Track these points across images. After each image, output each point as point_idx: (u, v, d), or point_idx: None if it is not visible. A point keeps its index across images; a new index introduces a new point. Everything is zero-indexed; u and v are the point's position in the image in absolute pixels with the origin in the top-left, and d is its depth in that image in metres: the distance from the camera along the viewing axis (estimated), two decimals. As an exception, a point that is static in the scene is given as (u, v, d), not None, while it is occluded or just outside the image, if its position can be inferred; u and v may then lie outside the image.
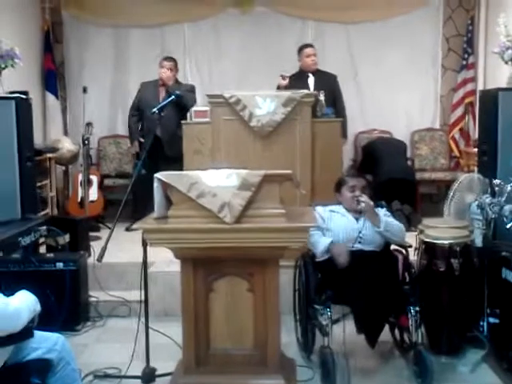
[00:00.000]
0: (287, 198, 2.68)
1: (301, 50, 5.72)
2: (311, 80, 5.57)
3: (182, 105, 5.09)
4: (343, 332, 3.03)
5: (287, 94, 4.16)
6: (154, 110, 3.25)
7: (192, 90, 5.66)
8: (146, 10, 6.48)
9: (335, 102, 5.50)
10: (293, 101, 4.12)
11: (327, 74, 5.68)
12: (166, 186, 2.58)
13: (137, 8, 6.47)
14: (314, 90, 5.41)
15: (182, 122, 4.56)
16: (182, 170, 4.74)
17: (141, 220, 2.69)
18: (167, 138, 5.35)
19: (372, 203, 3.29)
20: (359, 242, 3.26)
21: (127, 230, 5.40)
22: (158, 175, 2.58)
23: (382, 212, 3.38)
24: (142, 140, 5.69)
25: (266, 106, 4.08)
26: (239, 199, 2.48)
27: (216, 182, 2.51)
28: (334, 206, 3.41)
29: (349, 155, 6.40)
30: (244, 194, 2.49)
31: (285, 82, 5.19)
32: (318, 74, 5.62)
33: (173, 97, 3.35)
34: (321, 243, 3.20)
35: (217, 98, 4.21)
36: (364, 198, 3.28)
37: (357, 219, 3.32)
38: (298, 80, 5.53)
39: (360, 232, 3.26)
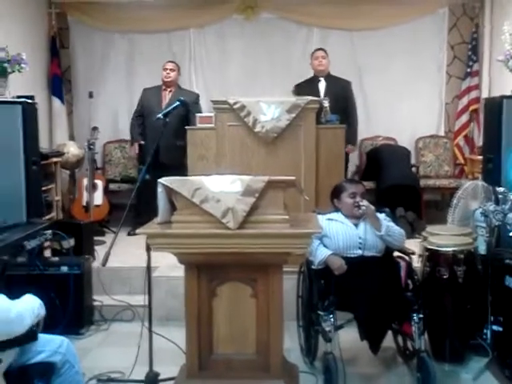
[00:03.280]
0: (291, 204, 2.68)
1: (312, 53, 5.75)
2: (322, 84, 5.58)
3: (186, 118, 5.18)
4: (340, 338, 3.03)
5: (292, 100, 4.17)
6: (159, 115, 3.26)
7: (197, 100, 5.73)
8: (152, 16, 6.53)
9: (346, 108, 5.52)
10: (297, 107, 4.13)
11: (340, 79, 5.68)
12: (170, 191, 2.59)
13: (143, 14, 6.52)
14: (325, 94, 5.44)
15: (187, 127, 4.57)
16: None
17: (144, 225, 2.69)
18: (164, 145, 5.38)
19: (373, 207, 3.30)
20: (360, 248, 3.26)
21: (129, 234, 5.42)
22: (161, 180, 2.58)
23: (381, 217, 3.38)
24: (142, 143, 5.73)
25: (270, 112, 4.09)
26: (243, 205, 2.48)
27: (220, 187, 2.51)
28: (331, 214, 3.40)
29: (353, 161, 6.40)
30: (248, 199, 2.50)
31: None
32: (330, 78, 5.62)
33: (178, 103, 3.35)
34: (319, 253, 3.20)
35: (221, 103, 4.23)
36: (365, 202, 3.29)
37: (356, 225, 3.31)
38: (308, 84, 5.56)
39: (360, 238, 3.26)
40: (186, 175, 5.70)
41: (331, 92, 5.48)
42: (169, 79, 5.73)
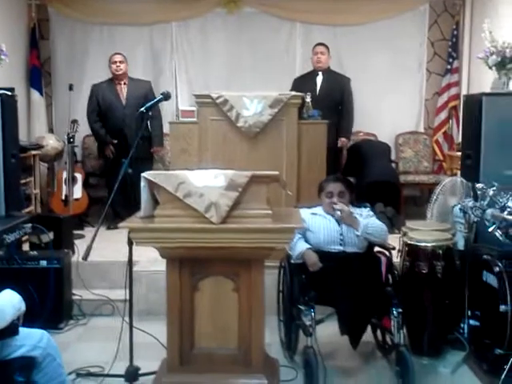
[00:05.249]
0: (273, 198, 2.69)
1: (313, 48, 5.78)
2: (319, 79, 5.61)
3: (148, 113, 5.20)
4: (320, 333, 3.04)
5: (274, 95, 4.17)
6: (142, 109, 3.23)
7: (151, 87, 5.80)
8: (134, 9, 6.47)
9: (342, 103, 5.58)
10: (280, 102, 4.13)
11: (339, 75, 5.76)
12: (152, 185, 2.58)
13: (125, 6, 6.46)
14: (321, 89, 5.50)
15: (169, 121, 4.55)
16: (151, 169, 4.79)
17: (125, 219, 2.68)
18: (130, 137, 5.43)
19: (347, 208, 3.30)
20: (341, 244, 3.28)
21: (109, 228, 5.39)
22: (145, 174, 2.57)
23: (365, 212, 3.41)
24: (114, 141, 5.68)
25: (253, 106, 4.09)
26: (226, 199, 2.49)
27: (203, 182, 2.51)
28: (316, 209, 3.43)
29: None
30: (231, 194, 2.50)
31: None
32: (329, 73, 5.66)
33: (161, 96, 3.33)
34: (297, 247, 3.22)
35: (204, 97, 4.21)
36: (339, 205, 3.29)
37: (338, 221, 3.34)
38: (306, 78, 5.61)
39: (341, 234, 3.29)
40: (152, 166, 5.73)
41: (328, 87, 5.53)
42: (120, 72, 5.68)
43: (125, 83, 5.73)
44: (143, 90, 5.65)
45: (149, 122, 5.58)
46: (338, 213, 3.27)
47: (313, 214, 3.38)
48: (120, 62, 5.69)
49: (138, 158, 5.11)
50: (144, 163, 5.17)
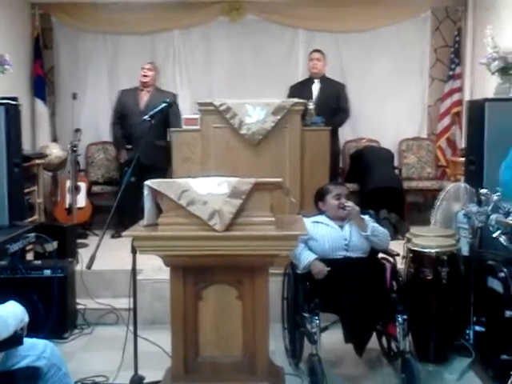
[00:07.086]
0: (277, 205, 2.68)
1: (309, 54, 5.82)
2: (316, 86, 5.63)
3: (166, 119, 5.16)
4: (324, 340, 3.03)
5: (277, 102, 4.18)
6: (146, 117, 3.24)
7: (174, 100, 5.69)
8: (137, 17, 6.50)
9: (337, 110, 5.57)
10: (282, 109, 4.14)
11: (334, 82, 5.77)
12: (156, 193, 2.58)
13: (127, 15, 6.49)
14: (317, 96, 5.49)
15: (171, 129, 4.54)
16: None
17: (129, 227, 2.68)
18: (144, 147, 5.32)
19: (358, 208, 3.32)
20: (345, 250, 3.27)
21: (113, 237, 5.38)
22: (148, 183, 2.57)
23: (366, 218, 3.40)
24: (128, 147, 5.69)
25: (256, 114, 4.10)
26: (229, 207, 2.48)
27: (207, 189, 2.51)
28: (316, 217, 3.42)
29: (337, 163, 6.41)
30: (234, 201, 2.49)
31: None
32: (325, 80, 5.67)
33: (164, 104, 3.34)
34: (303, 258, 3.20)
35: (207, 105, 4.22)
36: (350, 203, 3.32)
37: (341, 227, 3.33)
38: (302, 86, 5.62)
39: (345, 239, 3.28)
40: (167, 176, 5.70)
41: (324, 94, 5.53)
42: (145, 79, 5.71)
43: (148, 91, 5.73)
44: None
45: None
46: (349, 209, 3.27)
47: (314, 222, 3.36)
48: (148, 69, 5.73)
49: (151, 167, 5.15)
50: (159, 173, 5.11)
